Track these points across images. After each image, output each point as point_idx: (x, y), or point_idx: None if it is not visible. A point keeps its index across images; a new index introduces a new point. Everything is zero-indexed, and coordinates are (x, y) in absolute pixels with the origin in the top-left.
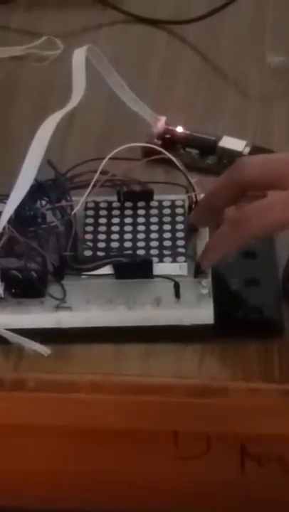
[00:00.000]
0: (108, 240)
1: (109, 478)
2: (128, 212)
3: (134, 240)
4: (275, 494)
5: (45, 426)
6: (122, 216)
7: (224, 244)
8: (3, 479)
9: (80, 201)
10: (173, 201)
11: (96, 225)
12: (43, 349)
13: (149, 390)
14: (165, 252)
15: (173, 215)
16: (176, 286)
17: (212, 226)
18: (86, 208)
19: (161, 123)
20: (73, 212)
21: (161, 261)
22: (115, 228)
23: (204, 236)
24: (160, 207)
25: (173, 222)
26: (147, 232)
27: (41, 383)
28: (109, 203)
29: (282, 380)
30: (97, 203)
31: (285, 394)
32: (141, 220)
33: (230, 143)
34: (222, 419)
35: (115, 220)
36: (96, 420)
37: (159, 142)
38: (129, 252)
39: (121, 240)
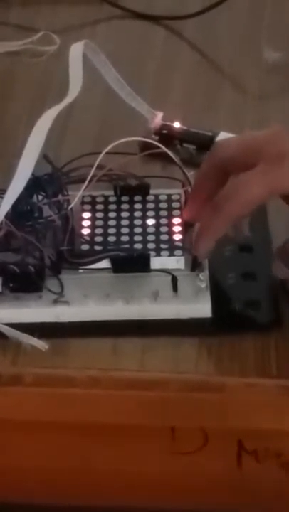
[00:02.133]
0: (105, 234)
1: (106, 473)
2: (125, 206)
3: (131, 234)
4: (272, 489)
5: (43, 421)
6: (118, 210)
7: (211, 231)
8: None
9: (76, 196)
10: (169, 195)
11: (93, 219)
12: (41, 344)
13: (146, 384)
14: (162, 245)
15: (169, 209)
16: (174, 280)
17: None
18: (83, 203)
19: (158, 118)
20: (70, 207)
21: (158, 255)
22: (112, 222)
23: None
24: (157, 201)
25: (169, 216)
26: (144, 226)
27: (39, 378)
28: (106, 197)
29: (279, 375)
30: (93, 198)
31: (282, 389)
32: (138, 214)
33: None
34: (219, 414)
35: (112, 215)
36: (93, 415)
37: (156, 138)
38: (127, 246)
39: (118, 234)
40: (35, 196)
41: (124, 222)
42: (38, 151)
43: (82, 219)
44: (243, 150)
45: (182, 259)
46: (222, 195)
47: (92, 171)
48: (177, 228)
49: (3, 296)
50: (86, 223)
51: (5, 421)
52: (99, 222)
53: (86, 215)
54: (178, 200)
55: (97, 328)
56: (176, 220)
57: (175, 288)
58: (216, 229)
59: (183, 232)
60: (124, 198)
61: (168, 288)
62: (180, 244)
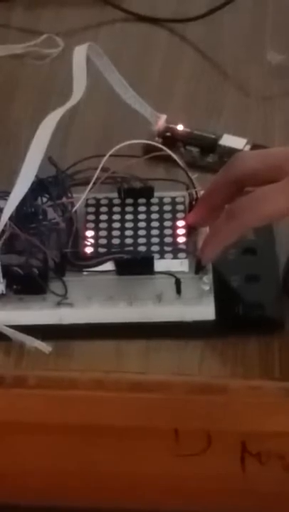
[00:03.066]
0: (109, 237)
1: (110, 475)
2: (129, 208)
3: (135, 236)
4: (275, 491)
5: (46, 423)
6: (122, 213)
7: (221, 237)
8: (2, 476)
9: (81, 198)
10: (173, 198)
11: (97, 221)
12: (44, 346)
13: (149, 387)
14: (166, 248)
15: (173, 211)
16: (178, 283)
17: (212, 225)
18: (87, 205)
19: (161, 121)
20: (74, 209)
21: (162, 257)
22: (116, 225)
23: (205, 232)
24: (161, 203)
25: (174, 219)
26: (148, 228)
27: (42, 380)
28: (110, 199)
29: (283, 378)
30: (98, 200)
31: (285, 391)
32: (142, 216)
33: (231, 141)
34: (222, 416)
35: (116, 217)
36: (97, 417)
37: (160, 140)
38: (130, 248)
39: (122, 237)
40: (39, 198)
41: (128, 225)
42: (42, 153)
43: (87, 221)
44: (265, 165)
45: (186, 262)
46: (240, 205)
47: (97, 173)
48: (181, 231)
49: (7, 298)
50: (90, 225)
51: (8, 423)
52: (103, 225)
53: (90, 217)
54: (182, 203)
55: (100, 330)
56: (180, 223)
57: (179, 290)
58: (227, 236)
59: (187, 235)
60: (128, 201)
61: (172, 290)
62: (184, 247)
